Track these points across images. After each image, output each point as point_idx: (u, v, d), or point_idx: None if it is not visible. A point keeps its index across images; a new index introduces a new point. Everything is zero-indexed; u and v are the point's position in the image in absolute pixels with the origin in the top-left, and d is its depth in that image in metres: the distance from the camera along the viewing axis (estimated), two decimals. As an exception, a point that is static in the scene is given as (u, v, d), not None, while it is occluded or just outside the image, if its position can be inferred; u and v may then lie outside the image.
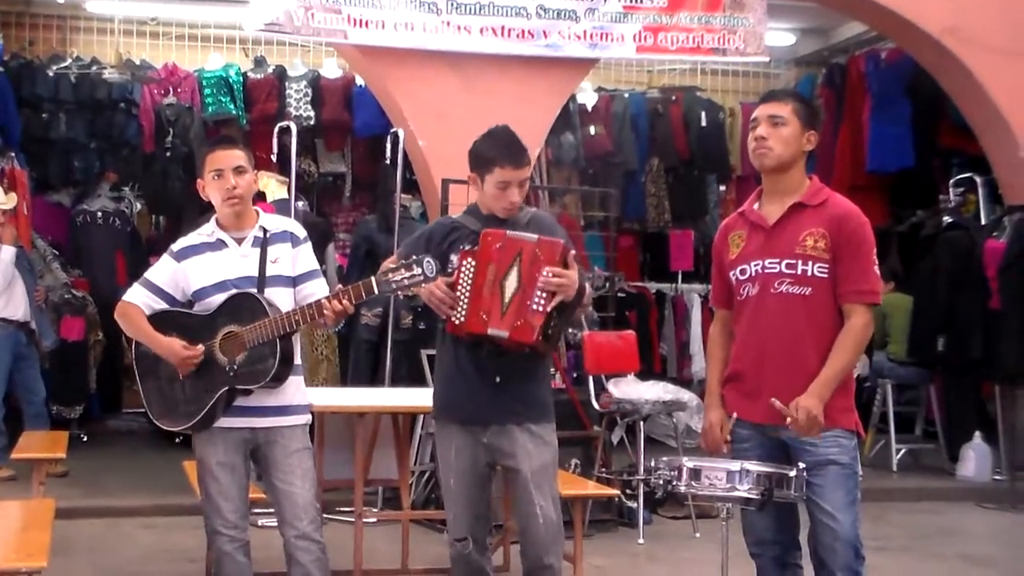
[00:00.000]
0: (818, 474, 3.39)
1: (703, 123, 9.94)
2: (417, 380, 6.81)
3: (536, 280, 3.58)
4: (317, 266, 3.94)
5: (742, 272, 3.55)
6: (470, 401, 3.75)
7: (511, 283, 3.63)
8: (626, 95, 9.94)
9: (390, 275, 3.53)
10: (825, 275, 3.43)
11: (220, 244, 3.84)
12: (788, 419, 3.34)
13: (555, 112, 7.75)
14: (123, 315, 3.88)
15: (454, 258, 3.74)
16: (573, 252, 3.66)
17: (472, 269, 3.65)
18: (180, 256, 3.87)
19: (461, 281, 3.65)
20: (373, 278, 3.57)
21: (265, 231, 3.85)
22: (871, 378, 8.59)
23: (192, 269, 3.83)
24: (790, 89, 3.77)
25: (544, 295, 3.57)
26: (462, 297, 3.65)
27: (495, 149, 3.76)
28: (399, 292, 3.58)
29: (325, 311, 3.59)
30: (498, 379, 3.71)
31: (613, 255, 8.16)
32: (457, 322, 3.67)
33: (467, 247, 3.73)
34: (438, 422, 3.90)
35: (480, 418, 3.75)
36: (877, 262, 3.49)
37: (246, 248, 3.82)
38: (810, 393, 3.36)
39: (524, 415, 3.76)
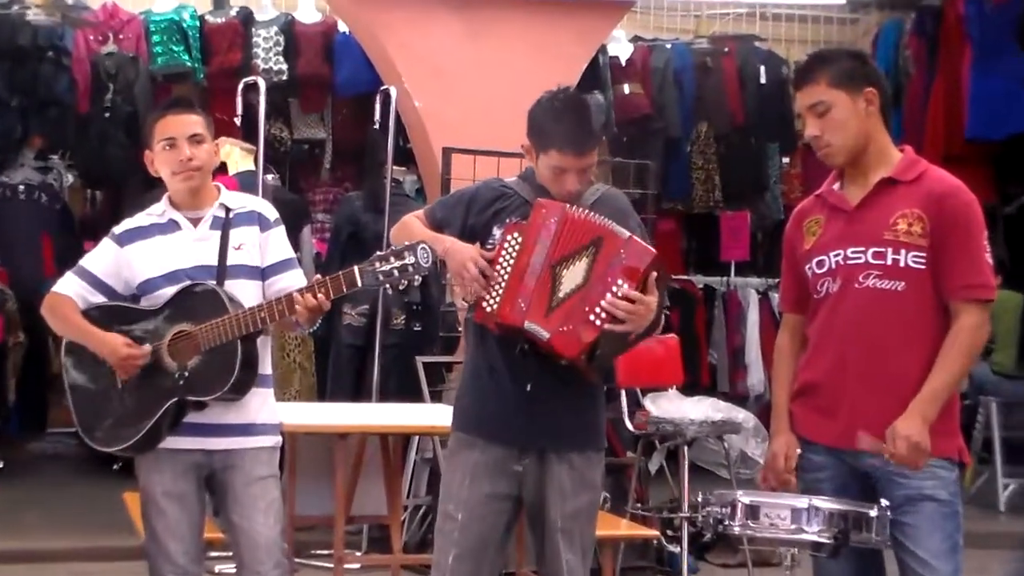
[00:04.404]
0: (910, 512, 3.37)
1: (762, 80, 9.89)
2: (411, 394, 6.81)
3: (608, 285, 3.48)
4: (292, 254, 3.95)
5: (819, 264, 3.54)
6: (502, 413, 3.67)
7: (574, 275, 3.53)
8: (668, 46, 9.91)
9: (377, 264, 3.51)
10: (922, 266, 3.41)
11: (172, 226, 3.84)
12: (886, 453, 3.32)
13: (582, 66, 7.73)
14: (51, 308, 3.89)
15: (497, 232, 3.66)
16: (656, 275, 3.53)
17: (517, 246, 3.57)
18: (123, 240, 3.86)
19: (501, 260, 3.58)
20: (356, 268, 3.55)
21: (227, 211, 3.85)
22: (971, 395, 8.56)
23: (137, 256, 3.83)
24: (815, 54, 3.69)
25: (605, 312, 3.47)
26: (499, 280, 3.57)
27: (555, 126, 3.62)
28: (388, 285, 3.55)
29: (297, 306, 3.58)
30: (530, 387, 3.62)
31: (651, 242, 8.13)
32: (488, 309, 3.58)
33: (516, 219, 3.65)
34: (456, 435, 3.80)
35: (513, 438, 3.67)
36: (989, 249, 3.46)
37: (203, 231, 3.83)
38: (910, 414, 3.33)
39: (567, 441, 3.69)
